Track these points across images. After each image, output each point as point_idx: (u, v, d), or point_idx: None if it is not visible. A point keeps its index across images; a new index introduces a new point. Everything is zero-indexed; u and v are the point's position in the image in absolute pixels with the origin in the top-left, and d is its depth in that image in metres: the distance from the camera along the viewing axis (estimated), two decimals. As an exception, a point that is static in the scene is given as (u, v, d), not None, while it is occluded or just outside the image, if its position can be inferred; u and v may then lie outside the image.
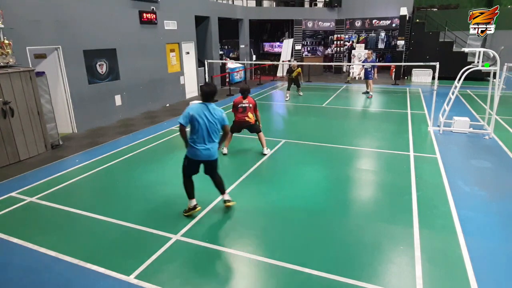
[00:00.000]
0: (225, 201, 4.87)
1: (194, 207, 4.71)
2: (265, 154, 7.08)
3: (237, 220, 4.70)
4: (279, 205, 5.07)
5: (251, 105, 6.99)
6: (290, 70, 13.20)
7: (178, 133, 8.78)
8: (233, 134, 7.33)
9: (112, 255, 3.97)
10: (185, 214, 4.73)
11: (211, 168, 4.70)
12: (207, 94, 4.48)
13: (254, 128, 7.18)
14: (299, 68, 13.49)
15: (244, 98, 6.98)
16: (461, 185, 5.61)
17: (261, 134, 7.20)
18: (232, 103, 7.10)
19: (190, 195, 4.72)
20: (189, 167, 4.62)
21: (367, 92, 13.66)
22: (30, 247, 4.13)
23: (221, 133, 4.65)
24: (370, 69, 13.37)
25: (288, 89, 13.69)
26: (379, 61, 19.78)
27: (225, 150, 7.19)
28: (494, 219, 4.61)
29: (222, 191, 4.84)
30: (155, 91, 11.76)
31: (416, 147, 7.41)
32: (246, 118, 6.99)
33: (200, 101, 4.51)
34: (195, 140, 4.43)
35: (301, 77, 13.73)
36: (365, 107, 12.00)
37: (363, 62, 13.36)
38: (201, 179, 6.02)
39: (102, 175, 6.33)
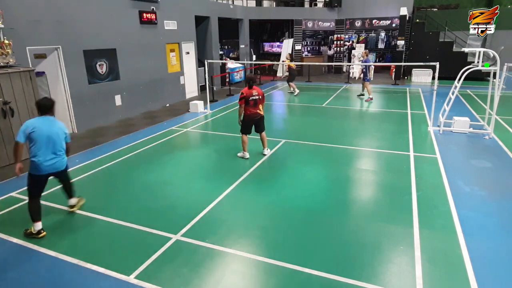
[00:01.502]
0: (70, 206, 4.90)
1: (39, 233, 4.30)
2: (265, 155, 7.07)
3: (237, 220, 4.70)
4: (279, 205, 5.07)
5: (260, 96, 6.62)
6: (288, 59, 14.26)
7: (177, 133, 8.77)
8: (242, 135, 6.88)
9: (112, 255, 3.97)
10: (26, 236, 4.34)
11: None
12: (46, 106, 4.33)
13: (262, 124, 6.88)
14: (288, 60, 14.04)
15: (250, 88, 6.56)
16: (461, 185, 5.62)
17: (264, 133, 7.04)
18: (241, 95, 6.50)
19: (37, 216, 4.33)
20: (37, 185, 4.37)
21: (362, 95, 13.26)
22: (30, 247, 4.13)
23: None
24: (365, 70, 12.93)
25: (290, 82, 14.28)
26: (379, 61, 19.79)
27: (247, 155, 6.90)
28: (494, 219, 4.61)
29: (70, 195, 4.85)
30: (155, 91, 11.76)
31: (416, 147, 7.41)
32: (258, 111, 6.69)
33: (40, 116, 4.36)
34: (37, 154, 4.22)
35: (293, 73, 14.07)
36: (365, 107, 12.00)
37: (363, 62, 13.03)
38: (201, 180, 6.02)
39: (102, 175, 6.33)
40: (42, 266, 3.80)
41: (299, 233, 4.35)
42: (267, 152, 7.13)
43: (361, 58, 13.19)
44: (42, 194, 4.47)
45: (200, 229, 4.45)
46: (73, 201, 4.90)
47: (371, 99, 12.71)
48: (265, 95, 6.99)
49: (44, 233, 4.35)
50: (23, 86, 6.86)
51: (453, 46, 17.20)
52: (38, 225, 4.33)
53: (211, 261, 3.82)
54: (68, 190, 4.82)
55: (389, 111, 11.05)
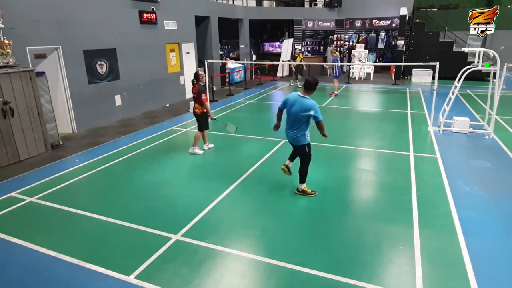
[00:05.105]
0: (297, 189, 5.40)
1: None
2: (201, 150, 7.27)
3: (237, 220, 4.70)
4: (279, 205, 5.07)
5: (195, 95, 6.93)
6: (293, 57, 15.61)
7: (177, 133, 8.77)
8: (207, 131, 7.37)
9: (112, 255, 3.97)
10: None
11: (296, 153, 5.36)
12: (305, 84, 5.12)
13: (197, 121, 7.15)
14: (302, 54, 15.56)
15: (193, 85, 6.94)
16: (461, 185, 5.61)
17: (198, 133, 7.17)
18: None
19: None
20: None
21: (335, 94, 13.90)
22: (30, 247, 4.13)
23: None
24: (334, 68, 13.53)
25: (296, 78, 15.78)
26: (379, 61, 19.81)
27: (196, 150, 7.19)
28: (494, 219, 4.61)
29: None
30: (155, 91, 11.76)
31: (416, 147, 7.41)
32: (194, 108, 7.06)
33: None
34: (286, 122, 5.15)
35: (302, 67, 15.76)
36: (365, 107, 12.00)
37: (333, 60, 13.58)
38: (201, 180, 6.02)
39: (102, 175, 6.33)
40: (42, 266, 3.80)
41: (299, 233, 4.35)
42: (194, 150, 7.25)
43: (333, 56, 13.65)
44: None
45: (200, 229, 4.45)
46: (301, 186, 5.33)
47: (336, 95, 13.59)
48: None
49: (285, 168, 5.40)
50: (23, 86, 6.86)
51: (453, 46, 17.20)
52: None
53: (211, 261, 3.82)
54: (299, 173, 5.30)
55: (389, 111, 11.05)
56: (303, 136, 5.03)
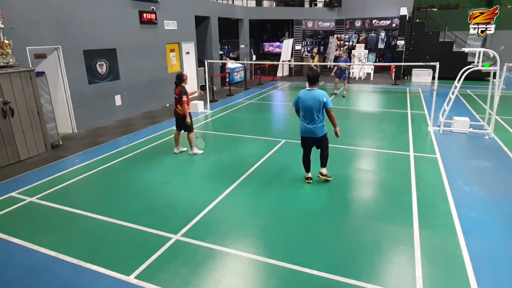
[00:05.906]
0: (321, 174, 5.69)
1: (307, 178, 5.77)
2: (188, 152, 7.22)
3: (237, 220, 4.70)
4: (279, 205, 5.07)
5: (177, 96, 6.84)
6: (312, 56, 16.35)
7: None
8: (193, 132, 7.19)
9: (112, 255, 3.97)
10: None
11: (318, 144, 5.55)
12: (308, 78, 5.35)
13: (180, 123, 7.03)
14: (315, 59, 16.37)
15: (176, 87, 6.84)
16: (461, 185, 5.61)
17: (190, 134, 7.09)
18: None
19: (305, 168, 5.76)
20: (302, 143, 5.62)
21: (335, 94, 13.82)
22: (30, 247, 4.13)
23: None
24: (344, 69, 13.42)
25: None
26: (379, 61, 19.81)
27: (196, 150, 7.17)
28: (494, 219, 4.61)
29: (322, 164, 5.68)
30: (155, 91, 11.76)
31: (416, 147, 7.41)
32: (176, 109, 6.98)
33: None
34: (302, 118, 5.44)
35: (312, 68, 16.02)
36: (365, 107, 12.00)
37: (342, 61, 13.53)
38: (201, 180, 6.02)
39: (102, 175, 6.33)
40: (42, 266, 3.80)
41: (299, 233, 4.35)
42: (191, 152, 7.23)
43: (341, 58, 13.57)
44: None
45: (200, 229, 4.45)
46: (324, 170, 5.67)
47: (344, 96, 13.68)
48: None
49: (310, 181, 5.68)
50: (23, 86, 6.86)
51: (453, 46, 17.20)
52: (307, 175, 5.71)
53: (211, 261, 3.82)
54: (322, 159, 5.63)
55: (389, 111, 11.05)
56: (323, 126, 5.38)
